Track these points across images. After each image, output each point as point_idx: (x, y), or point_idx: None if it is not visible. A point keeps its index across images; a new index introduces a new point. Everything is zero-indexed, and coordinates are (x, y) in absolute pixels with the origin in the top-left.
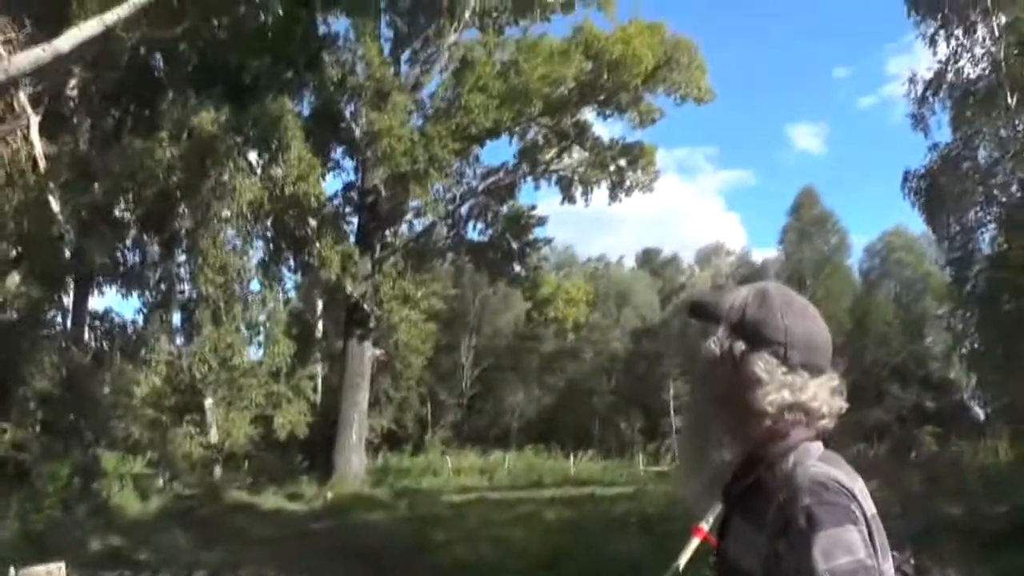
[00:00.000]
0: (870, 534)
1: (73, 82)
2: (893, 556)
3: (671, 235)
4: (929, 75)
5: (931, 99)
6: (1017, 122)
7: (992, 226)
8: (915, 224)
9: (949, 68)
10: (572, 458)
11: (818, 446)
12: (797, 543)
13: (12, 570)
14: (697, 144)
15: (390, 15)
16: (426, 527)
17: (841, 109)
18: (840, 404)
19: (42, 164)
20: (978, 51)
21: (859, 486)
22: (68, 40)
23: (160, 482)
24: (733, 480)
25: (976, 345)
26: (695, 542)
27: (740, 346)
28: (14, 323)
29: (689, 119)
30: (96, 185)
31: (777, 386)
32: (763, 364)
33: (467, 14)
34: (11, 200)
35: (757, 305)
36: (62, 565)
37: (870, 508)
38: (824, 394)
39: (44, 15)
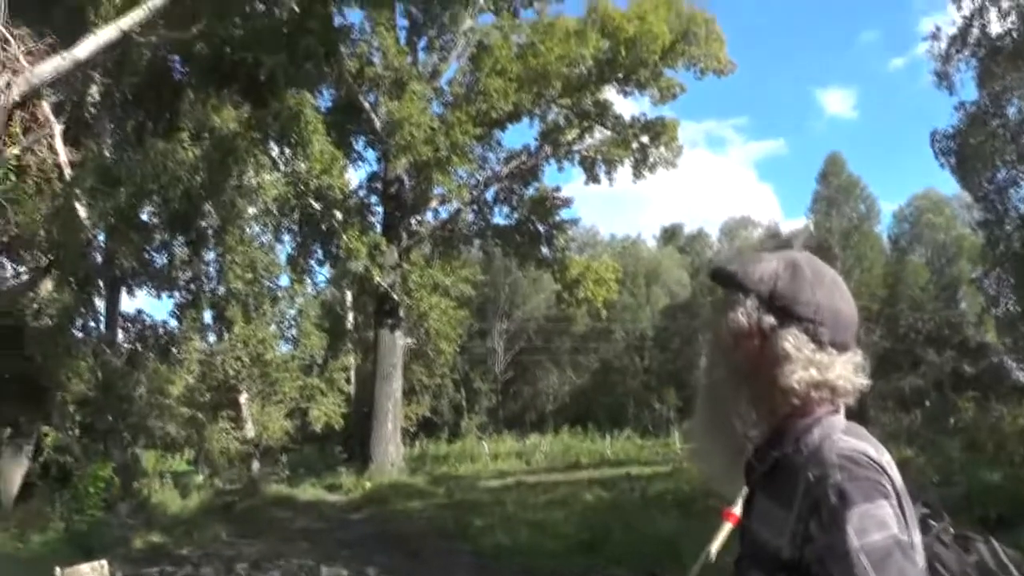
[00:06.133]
0: (900, 507)
1: (94, 88)
2: (931, 525)
3: (704, 210)
4: (953, 31)
5: (956, 56)
6: None
7: None
8: (946, 187)
9: (974, 23)
10: (608, 439)
11: (841, 419)
12: (829, 521)
13: (58, 570)
14: (726, 116)
15: (404, 4)
16: (464, 513)
17: (872, 72)
18: (863, 381)
19: (67, 172)
20: (1005, 4)
21: (886, 458)
22: (87, 47)
23: (199, 478)
24: (756, 456)
25: (1010, 307)
26: (727, 527)
27: (770, 320)
28: (49, 329)
29: (716, 90)
30: (121, 189)
31: (804, 364)
32: (793, 341)
33: None
34: (40, 209)
35: (788, 278)
36: (104, 563)
37: (898, 480)
38: (848, 371)
39: (64, 24)
